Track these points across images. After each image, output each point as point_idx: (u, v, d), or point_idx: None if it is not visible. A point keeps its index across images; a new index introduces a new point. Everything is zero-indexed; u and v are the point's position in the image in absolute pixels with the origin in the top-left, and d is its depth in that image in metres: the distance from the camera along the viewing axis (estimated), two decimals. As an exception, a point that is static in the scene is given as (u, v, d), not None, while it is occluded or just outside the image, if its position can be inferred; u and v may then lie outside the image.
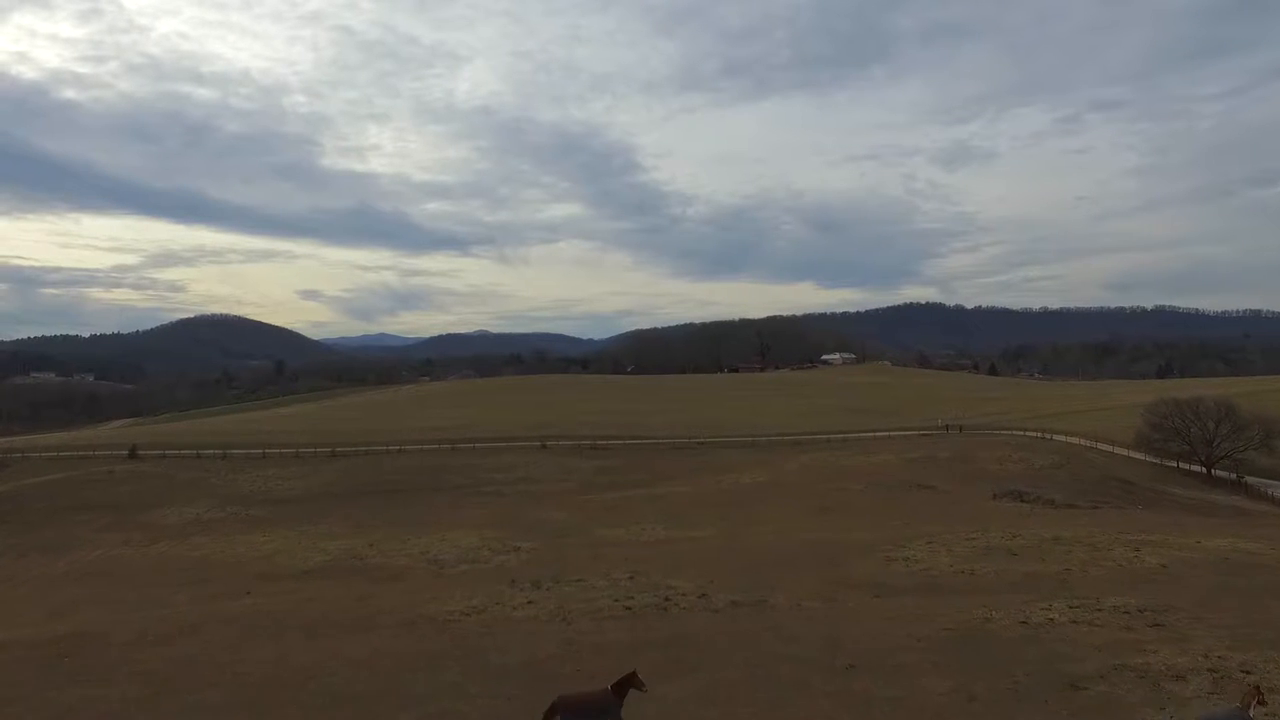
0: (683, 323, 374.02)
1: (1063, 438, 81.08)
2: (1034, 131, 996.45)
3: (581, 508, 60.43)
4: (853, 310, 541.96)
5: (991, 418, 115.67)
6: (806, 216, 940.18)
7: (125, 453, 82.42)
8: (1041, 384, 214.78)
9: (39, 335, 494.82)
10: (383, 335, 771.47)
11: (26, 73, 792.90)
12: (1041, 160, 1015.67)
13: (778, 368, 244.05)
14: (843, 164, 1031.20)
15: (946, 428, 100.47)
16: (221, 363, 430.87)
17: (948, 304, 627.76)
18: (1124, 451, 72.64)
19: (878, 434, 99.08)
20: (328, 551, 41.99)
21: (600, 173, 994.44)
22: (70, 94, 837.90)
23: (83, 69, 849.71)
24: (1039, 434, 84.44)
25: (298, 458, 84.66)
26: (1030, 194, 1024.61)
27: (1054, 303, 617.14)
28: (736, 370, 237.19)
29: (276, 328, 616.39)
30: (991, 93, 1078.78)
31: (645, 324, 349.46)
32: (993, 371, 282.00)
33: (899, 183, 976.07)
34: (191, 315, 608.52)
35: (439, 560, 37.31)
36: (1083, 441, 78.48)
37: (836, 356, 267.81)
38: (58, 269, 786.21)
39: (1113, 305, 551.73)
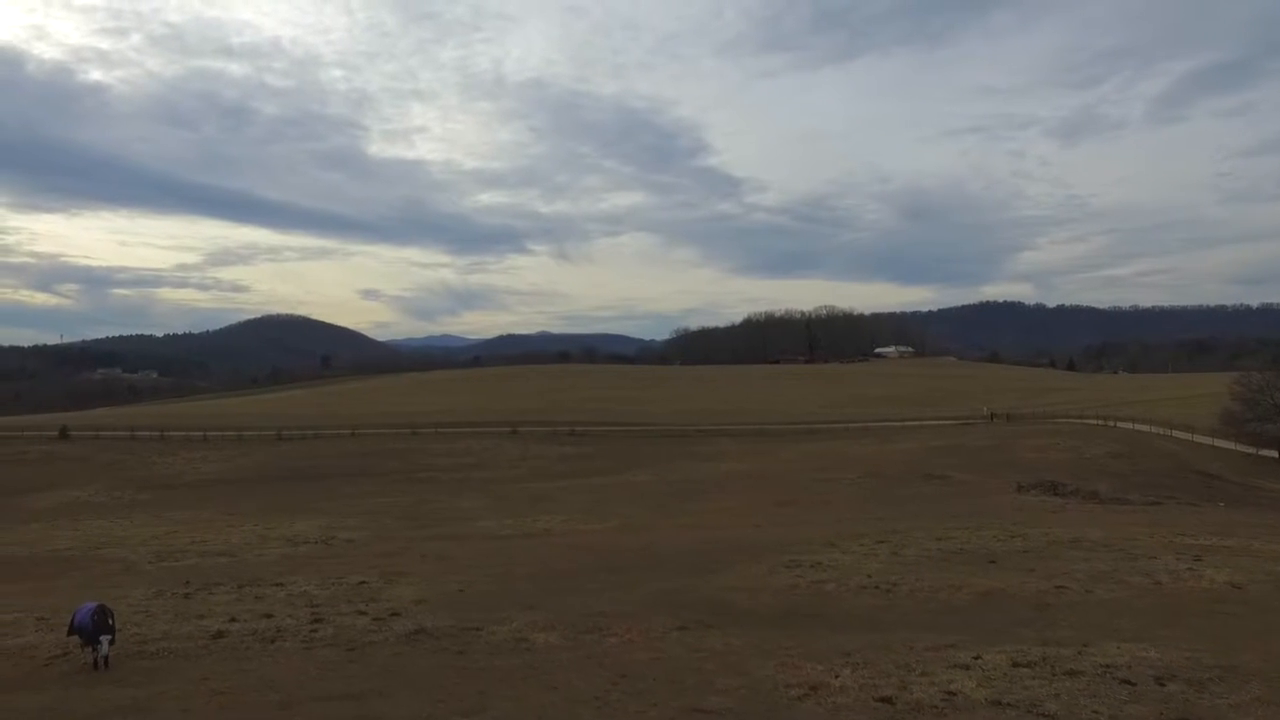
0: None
1: (1129, 425, 66.13)
2: (1176, 91, 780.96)
3: (505, 497, 49.56)
4: (924, 309, 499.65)
5: (1054, 407, 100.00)
6: (893, 203, 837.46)
7: (55, 434, 75.52)
8: (1120, 377, 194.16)
9: (114, 335, 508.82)
10: (446, 336, 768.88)
11: (48, 51, 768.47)
12: (1183, 127, 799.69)
13: (826, 361, 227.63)
14: (940, 140, 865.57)
15: (992, 416, 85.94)
16: (282, 361, 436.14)
17: (1028, 302, 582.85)
18: (1207, 440, 57.63)
19: (908, 423, 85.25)
20: (136, 540, 32.04)
21: (666, 156, 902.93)
22: (97, 75, 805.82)
23: (105, 44, 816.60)
24: (1099, 421, 69.60)
25: (240, 440, 76.30)
26: (1160, 171, 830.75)
27: (1166, 300, 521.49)
28: (777, 362, 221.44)
29: (340, 328, 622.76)
30: (1132, 44, 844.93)
31: (715, 324, 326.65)
32: (1070, 368, 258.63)
33: (1004, 162, 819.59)
34: (257, 316, 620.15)
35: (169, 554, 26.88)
36: (1153, 429, 63.47)
37: (892, 349, 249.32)
38: (124, 268, 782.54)
39: (1212, 304, 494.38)
